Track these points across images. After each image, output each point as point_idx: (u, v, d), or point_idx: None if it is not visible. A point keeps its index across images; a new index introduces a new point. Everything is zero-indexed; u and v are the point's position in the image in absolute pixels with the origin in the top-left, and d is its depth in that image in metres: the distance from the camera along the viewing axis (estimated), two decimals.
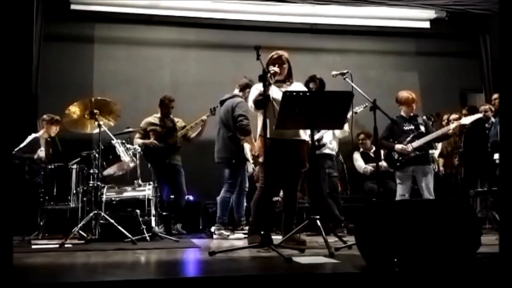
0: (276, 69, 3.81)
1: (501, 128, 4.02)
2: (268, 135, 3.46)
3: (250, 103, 3.90)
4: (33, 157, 5.20)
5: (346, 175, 6.46)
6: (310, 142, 3.79)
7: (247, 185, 5.38)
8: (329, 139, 5.32)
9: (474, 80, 7.87)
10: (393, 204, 3.45)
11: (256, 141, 4.13)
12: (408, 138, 4.98)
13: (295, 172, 3.97)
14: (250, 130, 4.94)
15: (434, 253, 2.48)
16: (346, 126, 4.99)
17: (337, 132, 5.25)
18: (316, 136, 5.14)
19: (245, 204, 5.35)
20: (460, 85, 7.97)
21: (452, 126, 5.03)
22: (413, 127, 5.05)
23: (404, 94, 5.13)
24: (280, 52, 3.97)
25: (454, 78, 7.86)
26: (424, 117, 5.23)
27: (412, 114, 5.14)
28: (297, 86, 4.05)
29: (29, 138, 5.36)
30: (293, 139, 3.91)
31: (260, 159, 3.92)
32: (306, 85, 5.10)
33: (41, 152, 5.20)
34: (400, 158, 5.00)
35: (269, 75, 3.61)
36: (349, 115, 4.81)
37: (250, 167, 5.38)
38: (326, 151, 5.29)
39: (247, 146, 5.18)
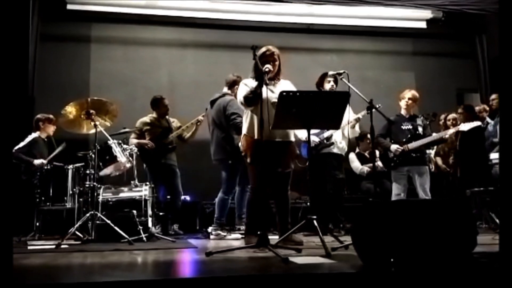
0: (270, 67, 3.79)
1: (501, 128, 4.02)
2: (256, 136, 3.44)
3: (240, 98, 3.86)
4: (32, 161, 5.17)
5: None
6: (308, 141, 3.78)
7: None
8: (339, 139, 5.19)
9: (470, 80, 7.89)
10: (390, 204, 3.46)
11: (241, 140, 4.08)
12: (405, 139, 4.99)
13: (282, 173, 3.97)
14: None
15: (430, 253, 2.48)
16: (357, 127, 4.97)
17: (349, 131, 5.10)
18: (325, 135, 5.13)
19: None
20: (457, 85, 8.00)
21: (450, 131, 5.03)
22: (411, 127, 5.05)
23: (416, 92, 5.17)
24: (272, 48, 3.92)
25: (450, 78, 7.88)
26: (423, 118, 5.22)
27: (412, 114, 5.15)
28: (286, 84, 4.01)
29: (29, 138, 5.35)
30: (280, 140, 3.90)
31: (248, 160, 3.91)
32: (321, 84, 5.07)
33: (40, 160, 5.18)
34: (395, 158, 5.00)
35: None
36: (359, 115, 4.83)
37: None
38: (335, 150, 5.18)
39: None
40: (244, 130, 3.97)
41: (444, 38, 7.96)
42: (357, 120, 4.88)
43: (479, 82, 7.72)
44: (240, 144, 5.13)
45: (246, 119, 3.95)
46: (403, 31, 7.92)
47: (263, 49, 3.91)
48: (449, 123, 6.15)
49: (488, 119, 5.85)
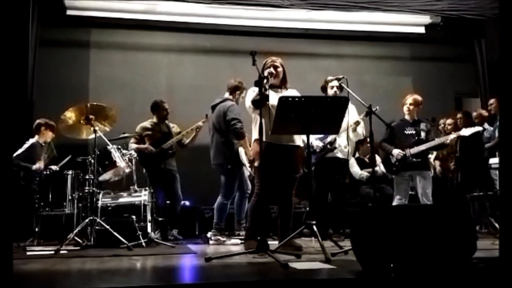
0: (271, 70, 3.89)
1: (500, 132, 4.03)
2: (263, 140, 3.47)
3: (248, 103, 3.92)
4: (31, 167, 5.17)
5: None
6: (311, 146, 3.80)
7: (249, 187, 5.35)
8: (344, 143, 5.13)
9: (469, 84, 7.89)
10: (389, 209, 3.46)
11: (251, 145, 4.13)
12: (408, 144, 4.99)
13: (289, 177, 3.99)
14: (244, 133, 4.93)
15: (430, 258, 2.48)
16: (359, 129, 4.97)
17: (351, 135, 5.05)
18: (329, 139, 5.12)
19: (246, 206, 5.32)
20: (455, 89, 8.01)
21: (451, 137, 5.02)
22: (414, 132, 5.05)
23: (418, 97, 5.16)
24: (274, 58, 4.05)
25: (449, 82, 7.89)
26: (427, 123, 5.21)
27: (416, 119, 5.15)
28: (292, 92, 4.06)
29: (27, 144, 5.35)
30: (287, 144, 3.93)
31: (256, 164, 3.93)
32: (325, 89, 5.07)
33: (38, 164, 5.18)
34: (397, 163, 5.01)
35: (265, 80, 3.63)
36: (358, 118, 4.84)
37: (246, 171, 5.37)
38: (339, 155, 5.13)
39: (242, 151, 5.18)
40: (255, 135, 3.99)
41: (442, 42, 7.98)
42: (357, 123, 4.87)
43: (478, 86, 7.73)
44: (240, 150, 5.19)
45: (256, 125, 3.96)
46: (402, 36, 7.94)
47: (266, 59, 4.03)
48: (449, 127, 6.14)
49: (486, 125, 5.85)
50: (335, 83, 4.86)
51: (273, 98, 3.77)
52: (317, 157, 5.10)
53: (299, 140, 4.02)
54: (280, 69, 4.01)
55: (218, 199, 5.22)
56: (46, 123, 5.48)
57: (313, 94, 5.07)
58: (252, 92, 3.93)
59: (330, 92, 4.99)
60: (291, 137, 3.96)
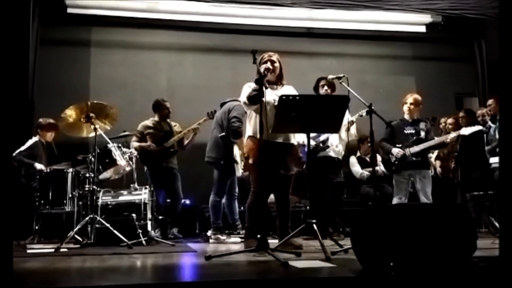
0: (268, 65, 3.84)
1: (500, 131, 4.03)
2: (258, 137, 3.46)
3: (243, 99, 3.86)
4: (33, 164, 5.18)
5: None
6: (307, 145, 3.79)
7: (236, 189, 5.39)
8: (335, 142, 5.18)
9: (469, 84, 7.89)
10: (389, 208, 3.45)
11: (245, 142, 4.09)
12: (408, 143, 4.99)
13: (284, 175, 3.97)
14: (241, 132, 4.94)
15: (430, 257, 2.48)
16: (353, 129, 4.99)
17: (343, 135, 5.05)
18: (322, 138, 5.12)
19: (237, 207, 5.36)
20: (455, 89, 8.01)
21: (451, 136, 5.01)
22: (413, 131, 5.05)
23: (419, 96, 5.16)
24: (271, 53, 4.00)
25: (449, 82, 7.89)
26: (426, 122, 5.20)
27: (415, 118, 5.15)
28: (288, 89, 4.02)
29: (30, 142, 5.37)
30: (282, 142, 3.91)
31: (250, 161, 3.91)
32: (317, 89, 5.08)
33: (39, 165, 5.19)
34: (397, 162, 5.01)
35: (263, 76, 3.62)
36: (352, 118, 4.85)
37: (239, 170, 5.38)
38: (331, 154, 5.17)
39: (236, 149, 5.22)
40: (250, 132, 3.97)
41: (443, 42, 7.97)
42: (351, 123, 4.87)
43: (477, 86, 7.73)
44: (234, 148, 5.20)
45: (250, 121, 3.97)
46: (403, 35, 7.93)
47: (263, 54, 3.97)
48: (450, 127, 6.14)
49: (490, 123, 5.85)
50: (326, 82, 4.91)
51: (268, 95, 3.73)
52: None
53: (294, 138, 4.02)
54: (276, 65, 3.95)
55: (210, 198, 5.27)
56: (46, 123, 5.48)
57: (313, 93, 5.13)
58: (247, 88, 3.88)
59: (322, 91, 5.02)
60: (286, 135, 3.93)
